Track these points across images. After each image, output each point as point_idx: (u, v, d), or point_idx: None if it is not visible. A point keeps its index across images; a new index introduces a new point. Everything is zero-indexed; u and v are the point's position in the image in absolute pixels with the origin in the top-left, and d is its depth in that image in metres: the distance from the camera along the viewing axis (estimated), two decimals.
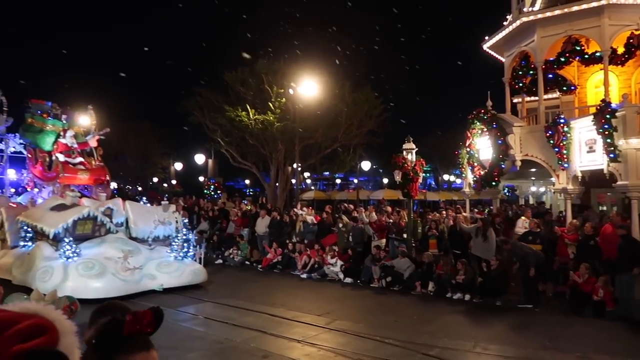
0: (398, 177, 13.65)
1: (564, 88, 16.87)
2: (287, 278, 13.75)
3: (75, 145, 14.71)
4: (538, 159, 13.70)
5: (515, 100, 19.04)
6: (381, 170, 53.06)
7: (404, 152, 13.68)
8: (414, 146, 13.77)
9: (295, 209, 17.79)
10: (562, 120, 12.80)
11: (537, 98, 15.51)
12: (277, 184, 26.50)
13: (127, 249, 11.57)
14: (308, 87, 20.41)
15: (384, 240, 13.98)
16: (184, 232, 12.84)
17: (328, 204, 23.25)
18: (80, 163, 14.71)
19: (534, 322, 9.31)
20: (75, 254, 10.85)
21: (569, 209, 13.29)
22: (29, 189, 15.49)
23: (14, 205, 13.95)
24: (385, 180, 47.80)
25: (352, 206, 19.26)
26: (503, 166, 14.20)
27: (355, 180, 42.33)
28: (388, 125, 26.16)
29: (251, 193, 51.92)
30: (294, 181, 25.92)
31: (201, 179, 38.69)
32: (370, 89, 25.51)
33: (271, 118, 23.75)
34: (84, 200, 13.00)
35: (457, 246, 12.55)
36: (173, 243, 12.43)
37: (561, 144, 12.66)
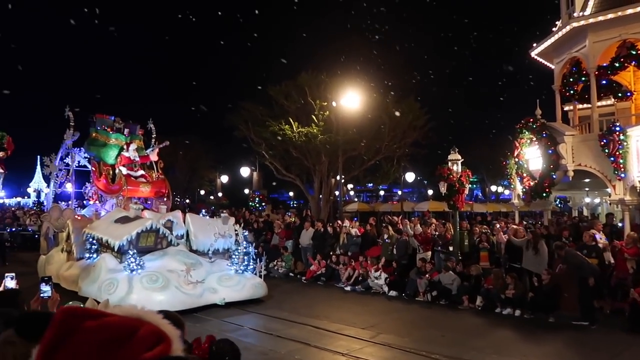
0: (443, 189, 13.41)
1: (619, 94, 16.15)
2: (331, 290, 13.71)
3: (137, 159, 15.00)
4: (592, 168, 13.15)
5: (566, 108, 18.41)
6: (426, 182, 52.30)
7: (449, 163, 13.43)
8: (459, 157, 13.50)
9: (339, 221, 17.77)
10: (617, 128, 12.27)
11: (590, 105, 14.94)
12: (320, 196, 26.59)
13: (190, 262, 11.46)
14: (351, 99, 20.45)
15: (429, 253, 13.72)
16: (245, 245, 12.56)
17: (372, 215, 23.09)
18: (142, 176, 14.95)
19: (590, 340, 8.85)
20: (139, 267, 10.80)
21: (627, 221, 12.63)
22: (92, 202, 15.86)
23: (79, 218, 14.27)
24: (430, 192, 47.07)
25: (396, 218, 19.04)
26: (554, 177, 13.71)
27: (399, 192, 41.87)
28: (433, 136, 25.82)
29: (295, 205, 52.32)
30: (337, 193, 25.93)
31: (246, 191, 39.35)
32: (414, 100, 25.29)
33: (314, 131, 23.92)
34: (145, 212, 13.07)
35: (514, 259, 11.83)
36: (233, 256, 12.25)
37: (617, 153, 12.12)
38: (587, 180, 14.98)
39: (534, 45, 16.86)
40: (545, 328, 9.71)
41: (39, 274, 13.66)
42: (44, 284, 3.60)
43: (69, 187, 16.79)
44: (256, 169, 34.09)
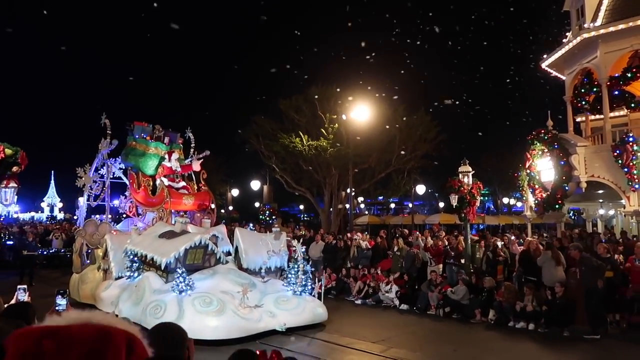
0: (454, 201, 13.33)
1: (632, 105, 16.03)
2: (341, 303, 13.59)
3: (179, 169, 14.01)
4: (605, 180, 13.00)
5: (578, 119, 18.29)
6: (437, 194, 52.00)
7: (460, 175, 13.36)
8: (470, 169, 13.43)
9: (349, 234, 17.70)
10: (630, 139, 12.16)
11: (602, 116, 14.81)
12: (331, 209, 26.56)
13: (244, 282, 10.17)
14: (361, 112, 20.50)
15: (440, 266, 13.59)
16: (303, 263, 11.13)
17: (382, 228, 23.00)
18: (184, 187, 14.01)
19: (606, 355, 8.67)
20: (188, 287, 9.54)
21: None
22: (129, 215, 14.80)
23: (115, 233, 13.16)
24: (441, 204, 46.79)
25: (406, 231, 18.94)
26: (567, 188, 13.57)
27: (410, 205, 41.71)
28: (443, 148, 25.76)
29: (306, 218, 52.24)
30: (347, 206, 25.89)
31: (257, 204, 39.42)
32: (424, 112, 25.31)
33: (324, 144, 24.02)
34: (190, 226, 11.88)
35: (530, 272, 11.55)
36: (289, 275, 10.92)
37: (631, 164, 11.99)
38: (600, 191, 14.80)
39: (545, 56, 16.83)
40: (560, 342, 9.52)
41: (71, 294, 12.65)
42: (59, 297, 3.62)
43: (80, 202, 16.29)
44: (267, 182, 34.18)
